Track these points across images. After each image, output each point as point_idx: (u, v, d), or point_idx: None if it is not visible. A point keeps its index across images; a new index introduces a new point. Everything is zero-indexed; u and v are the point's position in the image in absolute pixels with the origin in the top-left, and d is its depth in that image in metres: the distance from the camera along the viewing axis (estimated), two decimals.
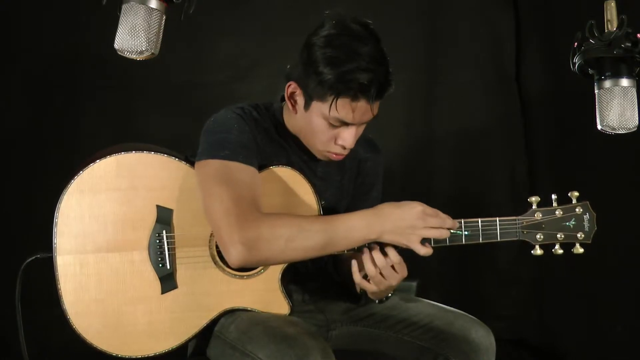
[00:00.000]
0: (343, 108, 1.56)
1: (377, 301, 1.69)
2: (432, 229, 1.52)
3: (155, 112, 2.85)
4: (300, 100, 1.63)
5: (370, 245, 1.55)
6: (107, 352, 1.60)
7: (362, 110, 1.58)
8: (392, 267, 1.55)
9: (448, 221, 1.54)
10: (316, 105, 1.59)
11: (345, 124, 1.60)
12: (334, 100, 1.55)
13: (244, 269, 1.66)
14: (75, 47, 2.73)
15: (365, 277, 1.59)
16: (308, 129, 1.64)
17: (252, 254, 1.49)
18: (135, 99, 2.83)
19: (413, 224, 1.51)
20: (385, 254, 1.54)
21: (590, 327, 2.75)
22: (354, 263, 1.58)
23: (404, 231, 1.51)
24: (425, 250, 1.52)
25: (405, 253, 1.58)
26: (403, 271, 1.56)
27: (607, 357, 2.65)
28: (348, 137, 1.62)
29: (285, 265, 1.67)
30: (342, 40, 1.56)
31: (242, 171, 1.56)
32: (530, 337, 3.04)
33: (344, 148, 1.64)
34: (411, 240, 1.52)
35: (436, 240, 1.55)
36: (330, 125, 1.60)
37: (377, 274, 1.55)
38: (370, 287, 1.59)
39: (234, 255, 1.48)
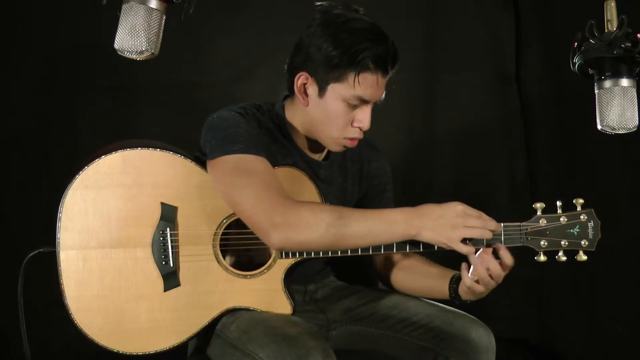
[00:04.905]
0: (364, 83, 1.58)
1: (467, 302, 1.67)
2: (473, 228, 1.50)
3: (156, 112, 2.85)
4: (312, 89, 1.64)
5: (485, 248, 1.54)
6: (109, 348, 1.60)
7: (380, 83, 1.61)
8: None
9: (491, 223, 1.52)
10: (333, 88, 1.60)
11: (363, 101, 1.62)
12: (356, 77, 1.57)
13: (247, 268, 1.66)
14: (75, 47, 2.74)
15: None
16: (323, 117, 1.64)
17: (293, 235, 1.49)
18: (135, 99, 2.83)
19: (453, 222, 1.49)
20: (498, 257, 1.54)
21: (590, 327, 2.75)
22: (465, 266, 1.58)
23: (443, 229, 1.49)
24: (467, 249, 1.51)
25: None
26: (507, 271, 1.57)
27: (607, 357, 2.65)
28: (364, 117, 1.63)
29: (289, 265, 1.67)
30: (340, 21, 1.59)
31: (260, 162, 1.57)
32: (530, 337, 3.04)
33: (361, 130, 1.65)
34: (451, 239, 1.50)
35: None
36: (348, 107, 1.62)
37: (487, 275, 1.55)
38: (478, 287, 1.57)
39: (276, 237, 1.49)
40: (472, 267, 1.56)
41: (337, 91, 1.60)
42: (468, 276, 1.57)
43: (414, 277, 1.79)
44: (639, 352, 2.51)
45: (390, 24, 1.69)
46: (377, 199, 1.87)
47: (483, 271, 1.54)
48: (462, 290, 1.65)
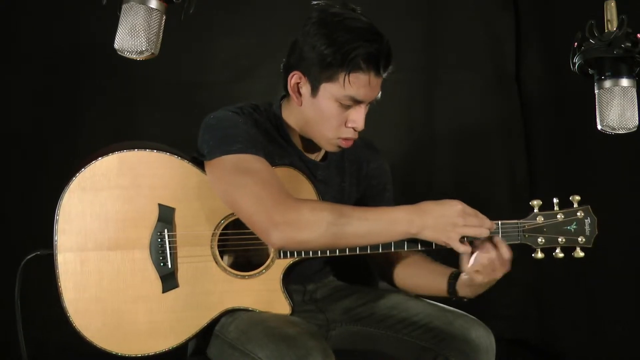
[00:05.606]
0: (355, 83, 1.58)
1: (464, 299, 1.68)
2: (472, 227, 1.52)
3: (156, 112, 2.85)
4: (305, 88, 1.64)
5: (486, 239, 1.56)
6: (107, 350, 1.59)
7: (373, 83, 1.60)
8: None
9: (486, 221, 1.54)
10: (325, 88, 1.60)
11: (356, 102, 1.61)
12: (346, 76, 1.56)
13: (245, 269, 1.66)
14: (75, 47, 2.74)
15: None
16: (317, 117, 1.64)
17: (293, 234, 1.49)
18: (135, 99, 2.83)
19: (454, 221, 1.51)
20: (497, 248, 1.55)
21: (590, 327, 2.75)
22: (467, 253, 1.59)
23: (444, 228, 1.51)
24: (464, 248, 1.53)
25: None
26: (508, 267, 1.57)
27: (607, 357, 2.65)
28: (358, 117, 1.63)
29: (288, 265, 1.67)
30: (336, 20, 1.59)
31: (259, 162, 1.57)
32: (530, 337, 3.04)
33: (355, 131, 1.65)
34: (451, 238, 1.52)
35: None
36: (340, 107, 1.61)
37: (490, 264, 1.55)
38: (478, 277, 1.58)
39: (276, 236, 1.49)
40: (474, 256, 1.57)
41: (329, 91, 1.60)
42: (467, 264, 1.58)
43: (415, 273, 1.79)
44: (639, 353, 2.51)
45: (390, 23, 1.70)
46: (377, 198, 1.87)
47: (485, 258, 1.55)
48: (460, 285, 1.66)
